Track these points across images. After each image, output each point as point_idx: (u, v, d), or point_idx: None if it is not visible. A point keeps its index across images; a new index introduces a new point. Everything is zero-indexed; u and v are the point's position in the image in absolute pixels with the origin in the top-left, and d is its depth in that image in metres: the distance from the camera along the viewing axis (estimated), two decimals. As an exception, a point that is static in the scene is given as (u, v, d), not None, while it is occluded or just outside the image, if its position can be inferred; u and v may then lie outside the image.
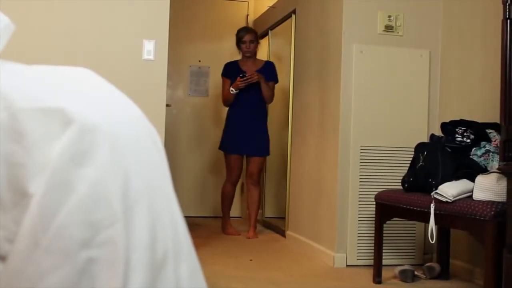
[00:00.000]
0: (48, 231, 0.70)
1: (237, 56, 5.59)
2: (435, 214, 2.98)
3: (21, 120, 0.73)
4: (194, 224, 5.60)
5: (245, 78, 5.08)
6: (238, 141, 5.21)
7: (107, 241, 0.72)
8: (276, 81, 5.37)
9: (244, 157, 5.36)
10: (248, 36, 5.32)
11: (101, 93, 0.84)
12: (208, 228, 5.63)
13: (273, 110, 6.17)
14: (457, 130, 3.27)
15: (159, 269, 0.78)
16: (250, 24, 6.63)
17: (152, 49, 3.76)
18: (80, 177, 0.72)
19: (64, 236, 0.70)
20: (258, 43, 5.42)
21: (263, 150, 5.31)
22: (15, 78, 0.78)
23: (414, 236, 4.09)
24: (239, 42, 5.37)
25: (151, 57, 3.76)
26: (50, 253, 0.70)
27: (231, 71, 5.32)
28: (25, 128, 0.73)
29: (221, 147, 5.40)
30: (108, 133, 0.75)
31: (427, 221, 3.04)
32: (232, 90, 5.16)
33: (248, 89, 5.15)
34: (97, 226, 0.72)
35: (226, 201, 5.41)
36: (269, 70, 5.32)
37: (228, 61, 5.53)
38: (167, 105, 3.86)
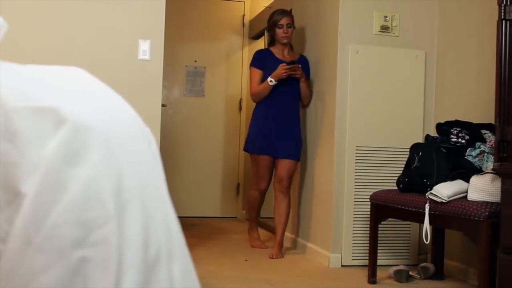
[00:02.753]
0: (40, 231, 0.70)
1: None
2: (429, 214, 2.99)
3: (14, 119, 0.73)
4: (189, 224, 5.59)
5: (291, 66, 4.29)
6: (270, 140, 4.47)
7: (100, 241, 0.72)
8: (309, 77, 4.60)
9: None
10: (286, 19, 4.51)
11: (95, 93, 0.84)
12: (203, 228, 5.63)
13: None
14: (452, 130, 3.28)
15: (152, 269, 0.78)
16: (246, 25, 6.63)
17: (148, 49, 3.76)
18: (73, 176, 0.72)
19: (56, 235, 0.70)
20: (294, 28, 4.61)
21: (296, 153, 4.52)
22: (8, 77, 0.78)
23: (409, 237, 4.09)
24: (273, 26, 4.53)
25: (147, 57, 3.76)
26: (43, 253, 0.70)
27: (264, 60, 4.54)
28: (18, 127, 0.73)
29: (247, 148, 4.65)
30: (101, 132, 0.75)
31: (422, 221, 3.04)
32: (271, 81, 4.35)
33: (285, 82, 4.38)
34: (89, 225, 0.72)
35: (253, 210, 4.75)
36: (304, 65, 4.53)
37: (259, 50, 4.84)
38: (163, 105, 3.86)
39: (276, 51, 4.58)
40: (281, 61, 4.41)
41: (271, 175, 4.59)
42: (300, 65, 4.34)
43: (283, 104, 4.45)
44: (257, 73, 4.53)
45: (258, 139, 4.52)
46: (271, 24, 4.56)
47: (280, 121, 4.45)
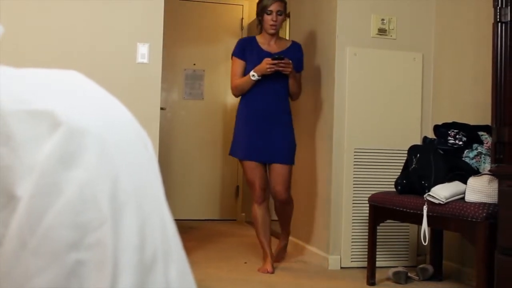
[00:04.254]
0: (36, 233, 0.70)
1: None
2: (428, 216, 2.99)
3: (9, 122, 0.73)
4: (188, 227, 5.59)
5: (277, 62, 3.73)
6: (254, 144, 3.89)
7: (96, 243, 0.72)
8: (302, 68, 4.08)
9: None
10: (276, 5, 3.90)
11: (91, 96, 0.85)
12: (202, 231, 5.63)
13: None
14: (449, 132, 3.29)
15: (148, 271, 0.78)
16: (245, 28, 6.63)
17: (146, 52, 3.76)
18: (68, 179, 0.72)
19: (52, 238, 0.70)
20: (286, 16, 4.08)
21: (288, 156, 3.96)
22: (4, 81, 0.79)
23: (408, 238, 4.10)
24: (262, 12, 3.94)
25: (145, 60, 3.76)
26: (38, 255, 0.70)
27: (248, 50, 3.97)
28: (13, 131, 0.73)
29: (231, 152, 4.08)
30: (97, 135, 0.76)
31: (420, 223, 3.05)
32: (253, 76, 3.79)
33: (273, 76, 3.81)
34: (85, 228, 0.72)
35: (257, 228, 4.01)
36: (296, 54, 4.00)
37: (242, 38, 4.29)
38: (161, 109, 3.86)
39: (262, 40, 4.00)
40: (265, 52, 3.90)
41: (264, 182, 3.97)
42: (290, 61, 3.77)
43: (270, 102, 3.90)
44: (239, 64, 3.97)
45: (242, 142, 3.96)
46: (260, 8, 3.98)
47: (266, 121, 3.89)
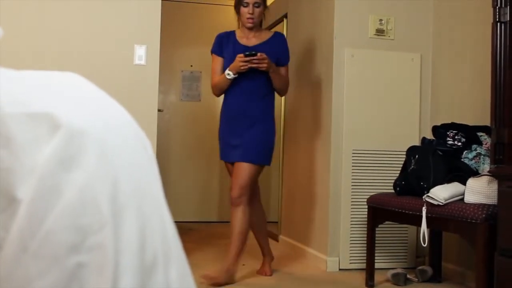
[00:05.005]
0: (36, 236, 0.70)
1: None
2: (427, 217, 2.99)
3: (9, 125, 0.73)
4: (187, 229, 5.58)
5: (251, 58, 3.46)
6: (231, 144, 3.67)
7: (96, 246, 0.72)
8: (288, 60, 3.80)
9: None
10: None
11: (90, 98, 0.84)
12: (200, 232, 5.62)
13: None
14: (448, 133, 3.29)
15: (149, 273, 0.78)
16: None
17: (144, 54, 3.76)
18: (68, 181, 0.72)
19: (52, 241, 0.70)
20: (265, 7, 3.73)
21: (254, 154, 3.61)
22: (3, 83, 0.78)
23: (406, 240, 4.09)
24: (238, 4, 3.68)
25: (143, 62, 3.76)
26: (39, 258, 0.70)
27: (225, 45, 3.73)
28: (13, 133, 0.72)
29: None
30: (96, 137, 0.75)
31: (419, 224, 3.04)
32: (228, 74, 3.53)
33: (252, 73, 3.56)
34: (85, 230, 0.71)
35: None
36: (279, 46, 3.72)
37: (221, 33, 3.87)
38: (159, 110, 3.86)
39: (240, 34, 3.74)
40: (242, 47, 3.64)
41: None
42: (264, 56, 3.48)
43: (248, 101, 3.63)
44: (217, 60, 3.73)
45: (221, 143, 3.78)
46: (236, 1, 3.71)
47: (243, 121, 3.62)
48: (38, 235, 0.70)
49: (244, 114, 3.63)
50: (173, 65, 6.42)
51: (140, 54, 3.76)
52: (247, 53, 3.46)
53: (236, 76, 3.54)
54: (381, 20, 4.12)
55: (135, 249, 0.76)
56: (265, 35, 3.75)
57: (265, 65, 3.49)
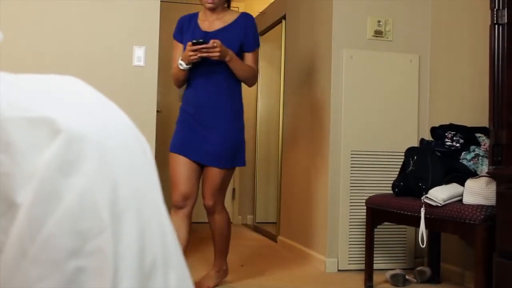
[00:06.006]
0: (36, 241, 0.70)
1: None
2: (425, 218, 2.99)
3: (8, 129, 0.73)
4: (185, 230, 5.57)
5: (199, 47, 3.03)
6: (189, 140, 3.25)
7: (96, 250, 0.72)
8: (256, 46, 3.35)
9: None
10: None
11: (90, 102, 0.84)
12: (199, 233, 5.62)
13: (262, 112, 6.18)
14: (446, 134, 3.29)
15: (148, 277, 0.78)
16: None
17: (143, 55, 3.76)
18: (68, 186, 0.72)
19: (52, 245, 0.70)
20: None
21: (223, 157, 3.25)
22: (3, 88, 0.78)
23: (405, 240, 4.10)
24: None
25: (142, 63, 3.76)
26: (38, 263, 0.70)
27: (186, 31, 3.33)
28: (13, 138, 0.73)
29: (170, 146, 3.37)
30: (96, 142, 0.76)
31: (417, 225, 3.05)
32: (180, 64, 3.16)
33: (210, 60, 3.15)
34: (85, 235, 0.72)
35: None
36: (242, 30, 3.26)
37: (183, 16, 3.45)
38: (157, 111, 3.85)
39: (202, 17, 3.30)
40: (202, 33, 3.22)
41: (189, 186, 3.27)
42: (217, 43, 3.03)
43: (210, 94, 3.23)
44: (176, 47, 3.37)
45: (175, 135, 3.34)
46: None
47: (204, 116, 3.23)
48: (38, 240, 0.70)
49: (210, 110, 3.22)
50: (172, 66, 6.40)
51: (139, 55, 3.76)
52: (194, 41, 3.03)
53: (189, 66, 3.15)
54: (379, 21, 4.12)
55: (135, 253, 0.76)
56: (230, 17, 3.27)
57: (217, 53, 3.03)
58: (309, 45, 4.52)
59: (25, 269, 0.70)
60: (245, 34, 3.25)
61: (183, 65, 3.14)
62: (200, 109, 3.25)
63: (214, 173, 3.26)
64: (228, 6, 3.38)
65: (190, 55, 3.06)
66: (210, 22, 3.25)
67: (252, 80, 3.34)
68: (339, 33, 4.08)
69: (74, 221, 0.71)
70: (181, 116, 3.35)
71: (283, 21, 5.27)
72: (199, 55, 3.04)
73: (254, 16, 6.28)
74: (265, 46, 6.16)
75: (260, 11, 6.01)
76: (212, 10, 3.21)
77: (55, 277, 0.70)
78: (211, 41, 3.03)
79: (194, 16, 3.32)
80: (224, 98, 3.26)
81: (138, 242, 0.77)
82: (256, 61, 3.35)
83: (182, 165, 3.25)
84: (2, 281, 0.71)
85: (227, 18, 3.26)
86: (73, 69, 3.58)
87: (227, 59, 3.11)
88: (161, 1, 3.86)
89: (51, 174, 0.72)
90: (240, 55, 3.24)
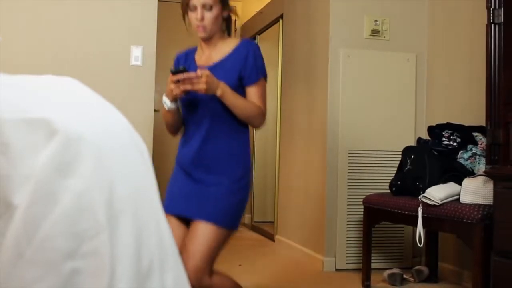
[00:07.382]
0: (32, 243, 0.70)
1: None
2: (423, 217, 2.99)
3: (6, 131, 0.73)
4: (183, 230, 5.57)
5: (180, 77, 2.31)
6: (180, 193, 2.47)
7: (92, 252, 0.72)
8: (260, 76, 2.55)
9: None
10: None
11: (87, 104, 0.84)
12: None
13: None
14: (443, 133, 3.29)
15: (145, 279, 0.78)
16: (238, 29, 6.62)
17: (140, 55, 3.76)
18: (65, 188, 0.72)
19: (48, 247, 0.70)
20: (226, 8, 2.60)
21: (219, 212, 2.34)
22: (0, 89, 0.78)
23: (403, 240, 4.10)
24: (186, 8, 2.56)
25: (139, 63, 3.76)
26: (34, 265, 0.70)
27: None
28: (10, 139, 0.73)
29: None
30: (93, 143, 0.75)
31: (415, 224, 3.05)
32: (164, 103, 2.48)
33: (205, 100, 2.45)
34: (81, 236, 0.72)
35: None
36: (242, 60, 2.50)
37: (181, 52, 2.79)
38: (155, 111, 3.85)
39: (199, 50, 2.66)
40: (196, 67, 2.50)
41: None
42: (203, 72, 2.29)
43: (205, 140, 2.46)
44: None
45: (168, 191, 2.56)
46: (182, 7, 2.64)
47: (199, 167, 2.45)
48: (34, 241, 0.70)
49: (202, 158, 2.46)
50: (169, 65, 6.37)
51: (136, 55, 3.76)
52: (173, 69, 2.38)
53: (174, 106, 2.48)
54: (376, 20, 4.12)
55: (132, 254, 0.76)
56: (231, 45, 2.57)
57: (203, 85, 2.30)
58: (306, 45, 4.52)
59: (21, 270, 0.70)
60: (245, 64, 2.53)
61: (167, 103, 2.46)
62: (196, 158, 2.50)
63: (203, 229, 2.36)
64: (229, 34, 2.75)
65: (170, 89, 2.39)
66: (207, 56, 2.59)
67: (258, 120, 2.52)
68: (336, 33, 4.08)
69: (70, 223, 0.71)
70: (174, 169, 2.70)
71: (281, 21, 5.27)
72: (181, 87, 2.34)
73: (251, 15, 6.29)
74: (262, 45, 6.15)
75: (257, 10, 6.01)
76: (207, 40, 2.57)
77: (52, 278, 0.70)
78: (198, 71, 2.34)
79: (191, 52, 2.72)
80: (222, 143, 2.50)
81: (135, 244, 0.77)
82: (261, 96, 2.56)
83: (176, 229, 2.48)
84: (-2, 283, 0.71)
85: (226, 49, 2.57)
86: (70, 69, 3.57)
87: (218, 93, 2.37)
88: (158, 1, 3.86)
89: (48, 175, 0.72)
90: (241, 89, 2.52)
